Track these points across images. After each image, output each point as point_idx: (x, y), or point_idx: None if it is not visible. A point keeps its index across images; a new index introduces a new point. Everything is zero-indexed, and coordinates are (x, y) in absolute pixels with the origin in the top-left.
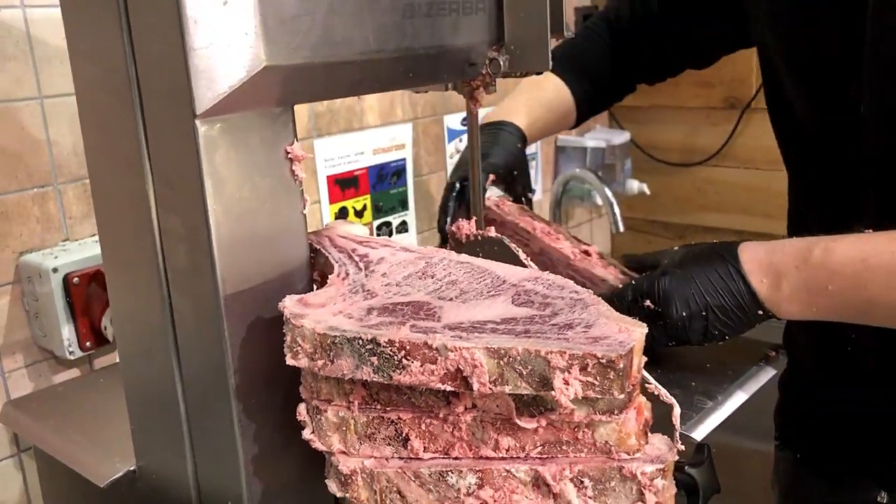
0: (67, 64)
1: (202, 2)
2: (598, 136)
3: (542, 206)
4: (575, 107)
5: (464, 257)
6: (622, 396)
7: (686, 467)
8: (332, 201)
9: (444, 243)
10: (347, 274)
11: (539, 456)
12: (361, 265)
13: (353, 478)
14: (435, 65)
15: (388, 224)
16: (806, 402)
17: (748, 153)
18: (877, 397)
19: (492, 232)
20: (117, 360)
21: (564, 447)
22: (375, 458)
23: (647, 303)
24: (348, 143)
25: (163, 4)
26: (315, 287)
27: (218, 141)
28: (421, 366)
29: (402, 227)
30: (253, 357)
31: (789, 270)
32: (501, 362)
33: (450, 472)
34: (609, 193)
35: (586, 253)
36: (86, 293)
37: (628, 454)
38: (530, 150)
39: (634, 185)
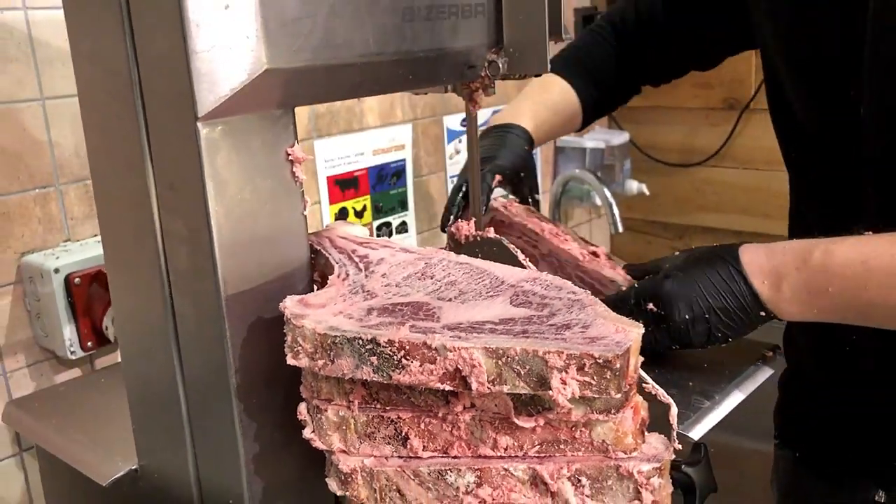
0: (69, 65)
1: (204, 5)
2: (598, 136)
3: (541, 207)
4: (581, 109)
5: (463, 258)
6: (619, 396)
7: (683, 466)
8: (332, 202)
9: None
10: (347, 274)
11: (537, 455)
12: (361, 266)
13: (353, 476)
14: (434, 67)
15: (388, 224)
16: (806, 402)
17: (747, 154)
18: (876, 397)
19: (491, 233)
20: (118, 360)
21: (562, 446)
22: (375, 456)
23: (651, 306)
24: (348, 143)
25: (165, 7)
26: (315, 288)
27: (219, 143)
28: (420, 366)
29: (402, 228)
30: (254, 357)
31: (789, 272)
32: (500, 362)
33: (449, 471)
34: (608, 194)
35: (594, 254)
36: (87, 293)
37: (625, 453)
38: None
39: (633, 186)
